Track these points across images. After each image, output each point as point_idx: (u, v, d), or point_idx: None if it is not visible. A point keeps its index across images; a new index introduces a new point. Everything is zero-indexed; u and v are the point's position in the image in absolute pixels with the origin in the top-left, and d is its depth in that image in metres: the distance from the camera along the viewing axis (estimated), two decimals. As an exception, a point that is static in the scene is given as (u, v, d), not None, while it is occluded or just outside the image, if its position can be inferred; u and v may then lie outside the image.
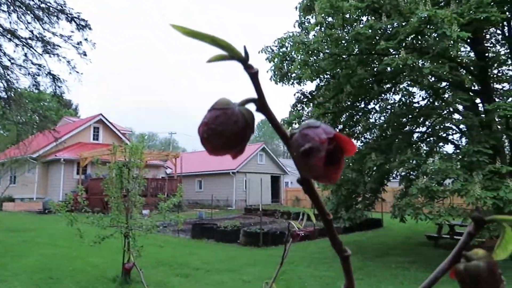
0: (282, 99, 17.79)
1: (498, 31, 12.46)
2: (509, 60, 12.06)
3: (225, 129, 0.32)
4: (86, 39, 15.68)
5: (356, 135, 13.28)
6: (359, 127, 13.20)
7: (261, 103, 0.34)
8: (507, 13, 10.09)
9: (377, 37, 10.10)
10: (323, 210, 0.37)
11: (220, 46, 0.33)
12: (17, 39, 14.81)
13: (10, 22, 14.57)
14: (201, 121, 0.33)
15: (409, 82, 11.68)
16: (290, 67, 12.59)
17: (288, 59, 12.97)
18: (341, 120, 12.92)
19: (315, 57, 11.52)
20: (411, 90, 12.75)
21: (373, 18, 10.82)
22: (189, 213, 21.75)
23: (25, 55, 15.04)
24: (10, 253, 10.20)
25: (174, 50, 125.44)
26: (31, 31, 14.95)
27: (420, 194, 9.00)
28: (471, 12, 8.41)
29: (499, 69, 12.70)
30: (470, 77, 11.26)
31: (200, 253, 10.84)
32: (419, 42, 10.20)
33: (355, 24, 10.82)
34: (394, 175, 11.94)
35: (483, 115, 10.42)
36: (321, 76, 12.51)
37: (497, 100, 10.41)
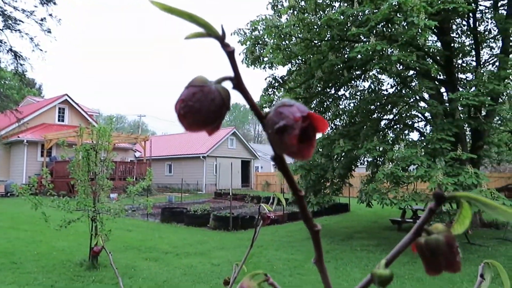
0: (253, 83, 17.75)
1: (464, 22, 12.86)
2: (473, 51, 12.50)
3: (202, 106, 0.33)
4: (50, 15, 14.99)
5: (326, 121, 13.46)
6: (329, 113, 13.40)
7: (238, 81, 0.35)
8: (473, 4, 10.42)
9: (348, 24, 10.20)
10: (295, 186, 0.38)
11: (197, 23, 0.33)
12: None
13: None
14: (178, 98, 0.33)
15: (378, 70, 11.93)
16: (262, 51, 12.55)
17: (260, 42, 12.92)
18: (312, 106, 13.06)
19: (287, 42, 11.53)
20: (380, 78, 13.04)
21: (345, 4, 10.90)
22: (159, 197, 21.56)
23: (-16, 30, 14.26)
24: (-30, 237, 9.83)
25: (144, 30, 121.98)
26: (-10, 5, 14.15)
27: (386, 180, 9.30)
28: (439, 2, 8.61)
29: (464, 59, 13.15)
30: (436, 66, 11.61)
31: (169, 237, 10.82)
32: (389, 30, 10.39)
33: (328, 9, 10.86)
34: (361, 161, 12.26)
35: (447, 104, 10.81)
36: (292, 61, 12.57)
37: (460, 89, 10.81)
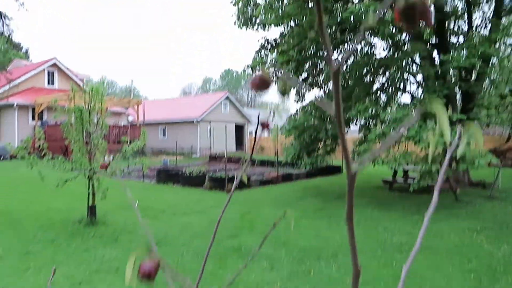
0: (246, 45, 17.47)
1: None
2: (465, 14, 12.40)
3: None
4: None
5: (319, 84, 13.47)
6: (322, 76, 13.36)
7: None
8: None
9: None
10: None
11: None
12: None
13: None
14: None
15: (370, 32, 11.81)
16: (254, 12, 12.33)
17: (252, 3, 12.66)
18: (305, 69, 13.00)
19: (280, 1, 11.32)
20: (372, 41, 12.92)
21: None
22: (154, 161, 21.67)
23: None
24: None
25: (140, 25, 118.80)
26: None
27: (378, 140, 9.44)
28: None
29: (456, 22, 13.05)
30: (428, 29, 11.52)
31: (165, 197, 11.01)
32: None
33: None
34: (354, 123, 12.37)
35: (439, 67, 10.83)
36: (285, 22, 12.37)
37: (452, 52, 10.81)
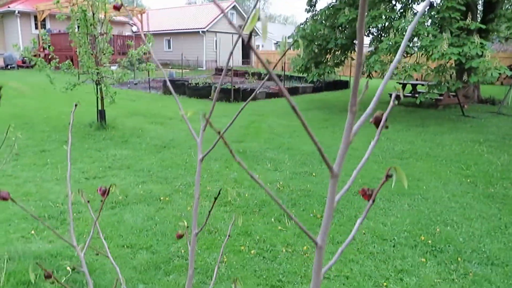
0: None
1: None
2: None
3: None
4: None
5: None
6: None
7: None
8: None
9: None
10: None
11: None
12: None
13: None
14: None
15: None
16: None
17: None
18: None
19: None
20: None
21: None
22: (159, 73, 21.46)
23: None
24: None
25: None
26: None
27: (389, 51, 9.17)
28: None
29: None
30: None
31: (172, 106, 11.12)
32: None
33: None
34: (365, 33, 11.90)
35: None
36: None
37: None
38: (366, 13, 6.43)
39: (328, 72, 10.81)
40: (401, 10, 11.32)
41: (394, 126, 8.81)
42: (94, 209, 4.17)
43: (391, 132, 8.28)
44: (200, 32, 26.23)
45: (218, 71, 22.37)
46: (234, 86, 12.77)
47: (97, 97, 7.76)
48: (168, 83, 0.90)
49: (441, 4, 9.02)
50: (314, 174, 5.51)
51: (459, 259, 3.36)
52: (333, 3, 11.36)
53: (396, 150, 6.90)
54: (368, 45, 13.01)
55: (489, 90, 14.41)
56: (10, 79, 15.70)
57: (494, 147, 7.12)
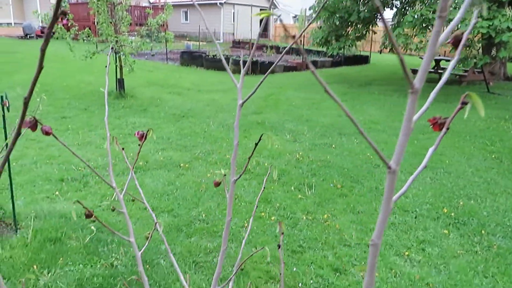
0: None
1: None
2: None
3: None
4: None
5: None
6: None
7: None
8: None
9: None
10: None
11: None
12: None
13: None
14: None
15: None
16: None
17: None
18: None
19: None
20: None
21: None
22: (176, 45, 21.32)
23: None
24: (1, 70, 10.23)
25: None
26: None
27: (414, 24, 8.87)
28: None
29: None
30: None
31: (189, 77, 11.06)
32: None
33: None
34: (389, 6, 11.52)
35: None
36: None
37: None
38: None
39: (349, 46, 10.54)
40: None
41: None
42: (115, 173, 4.22)
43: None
44: (218, 3, 25.80)
45: (236, 43, 22.09)
46: (252, 59, 12.59)
47: (116, 66, 7.75)
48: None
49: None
50: (333, 146, 5.45)
51: (482, 232, 3.31)
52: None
53: (418, 125, 6.63)
54: (390, 19, 12.63)
55: (516, 68, 13.90)
56: (30, 49, 15.81)
57: (520, 124, 6.91)
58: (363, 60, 17.10)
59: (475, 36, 8.63)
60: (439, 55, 13.03)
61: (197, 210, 3.48)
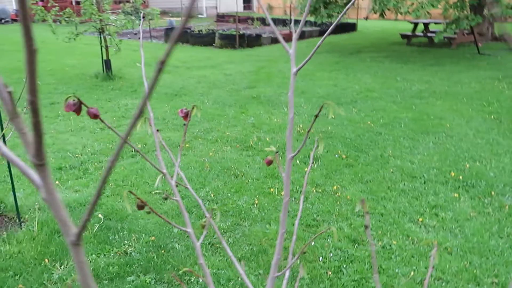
0: None
1: None
2: None
3: None
4: None
5: None
6: None
7: None
8: None
9: None
10: None
11: None
12: None
13: None
14: None
15: None
16: None
17: None
18: None
19: None
20: None
21: None
22: (158, 22, 20.70)
23: None
24: (-22, 58, 9.82)
25: None
26: None
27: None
28: None
29: None
30: None
31: (177, 54, 10.74)
32: None
33: None
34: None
35: None
36: None
37: None
38: None
39: (338, 13, 10.32)
40: None
41: (408, 67, 8.53)
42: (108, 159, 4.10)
43: (406, 72, 8.03)
44: (198, -24, 24.98)
45: (220, 17, 21.56)
46: (239, 32, 12.30)
47: (101, 46, 7.47)
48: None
49: None
50: (333, 116, 5.37)
51: (492, 193, 3.31)
52: None
53: (413, 90, 6.70)
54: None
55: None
56: (6, 33, 15.19)
57: (514, 84, 6.90)
58: (350, 27, 16.85)
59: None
60: (429, 18, 12.88)
61: (205, 190, 3.41)
